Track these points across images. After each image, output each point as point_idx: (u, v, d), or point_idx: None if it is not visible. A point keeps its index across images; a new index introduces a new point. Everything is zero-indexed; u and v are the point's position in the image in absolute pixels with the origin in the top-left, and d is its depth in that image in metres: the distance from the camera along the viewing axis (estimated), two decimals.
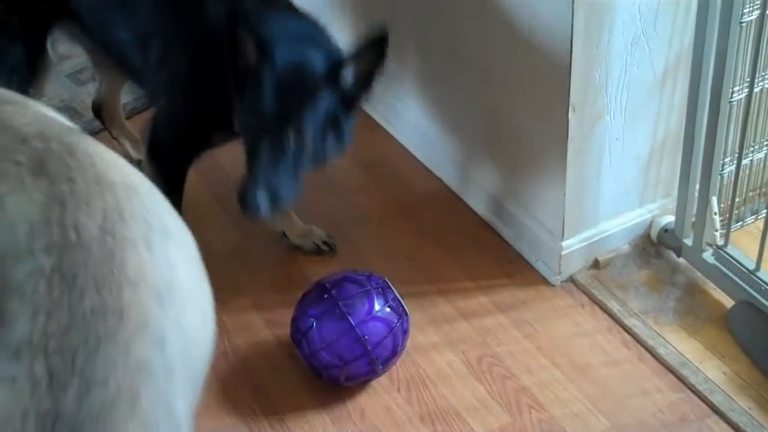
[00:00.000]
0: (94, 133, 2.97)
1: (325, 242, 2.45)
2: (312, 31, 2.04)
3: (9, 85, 2.59)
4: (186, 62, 2.12)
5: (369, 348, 1.98)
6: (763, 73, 1.99)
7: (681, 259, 2.29)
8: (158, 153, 2.19)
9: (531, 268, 2.37)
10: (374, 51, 1.90)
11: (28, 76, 2.52)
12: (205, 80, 2.07)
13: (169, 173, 2.21)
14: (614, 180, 2.25)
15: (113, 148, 3.12)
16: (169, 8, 2.14)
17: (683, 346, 2.12)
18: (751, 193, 2.20)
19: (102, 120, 2.83)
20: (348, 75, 1.92)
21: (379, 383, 2.10)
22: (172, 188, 2.21)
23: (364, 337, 1.97)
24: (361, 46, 1.91)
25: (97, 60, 2.66)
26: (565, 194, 2.20)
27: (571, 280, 2.32)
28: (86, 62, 2.78)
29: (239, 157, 2.06)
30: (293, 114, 1.90)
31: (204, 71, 2.07)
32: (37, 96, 2.64)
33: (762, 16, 1.88)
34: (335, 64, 1.93)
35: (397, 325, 2.02)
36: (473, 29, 2.34)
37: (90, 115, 2.87)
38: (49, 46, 2.45)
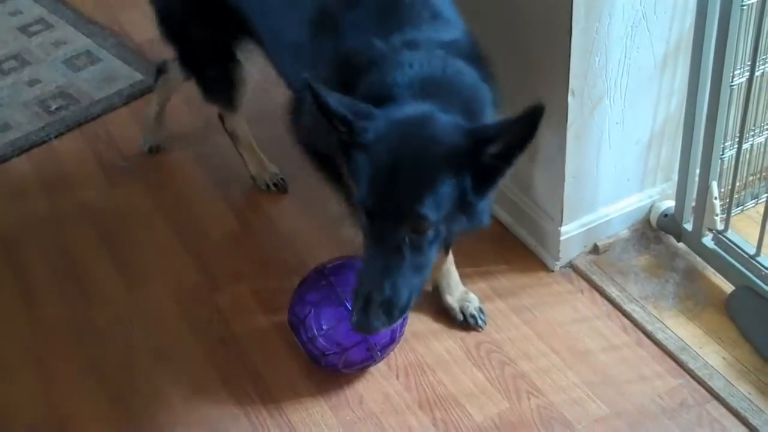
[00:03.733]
0: (88, 120, 2.95)
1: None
2: (456, 81, 1.66)
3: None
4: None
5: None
6: (764, 57, 1.97)
7: (681, 244, 2.28)
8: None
9: (530, 253, 2.36)
10: (524, 124, 1.52)
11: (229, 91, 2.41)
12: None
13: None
14: (614, 165, 2.24)
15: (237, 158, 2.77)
16: (313, 25, 1.87)
17: (683, 332, 2.11)
18: (751, 178, 2.19)
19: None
20: (491, 150, 1.56)
21: (378, 370, 2.09)
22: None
23: None
24: (513, 119, 1.53)
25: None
26: (564, 179, 2.19)
27: (571, 265, 2.31)
28: (81, 48, 2.74)
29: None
30: (406, 206, 1.53)
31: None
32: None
33: None
34: (476, 138, 1.55)
35: None
36: (471, 12, 2.32)
37: (86, 101, 2.85)
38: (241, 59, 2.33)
